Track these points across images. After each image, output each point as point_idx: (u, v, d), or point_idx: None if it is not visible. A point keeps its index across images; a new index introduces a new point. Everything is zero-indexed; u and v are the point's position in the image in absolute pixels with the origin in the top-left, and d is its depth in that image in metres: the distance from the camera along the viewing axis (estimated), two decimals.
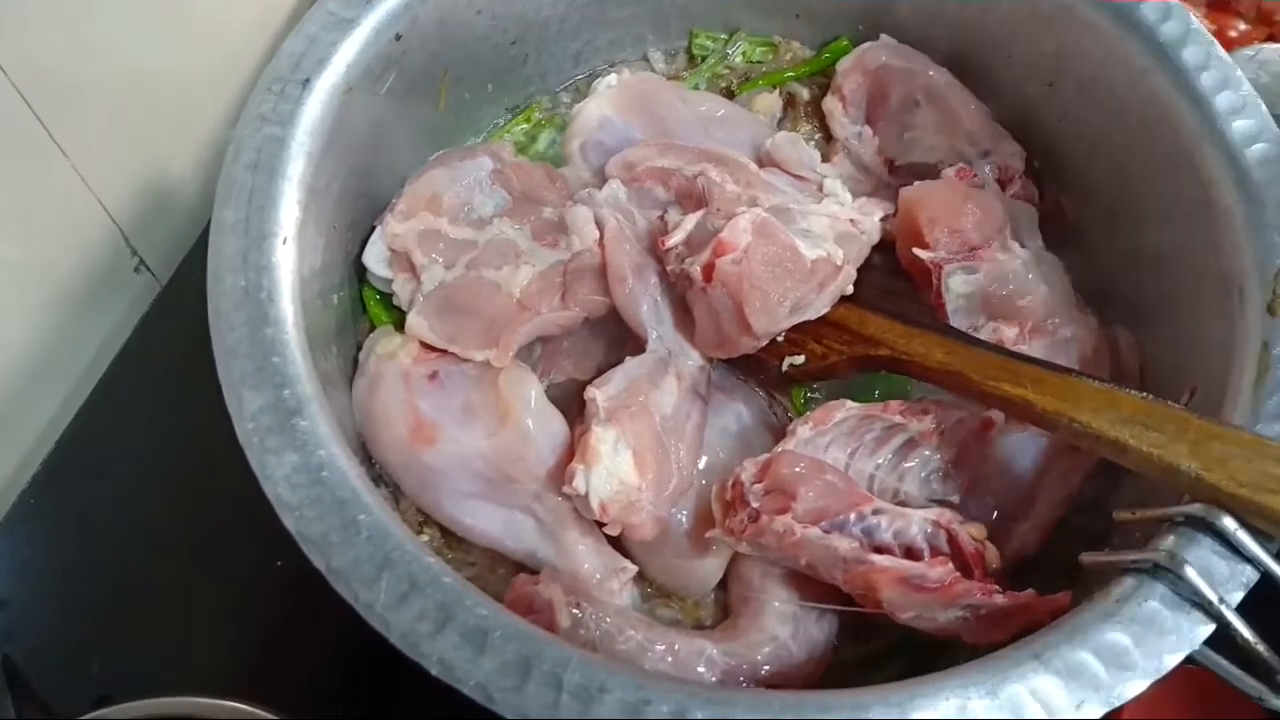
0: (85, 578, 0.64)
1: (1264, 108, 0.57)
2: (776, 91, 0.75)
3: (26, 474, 0.68)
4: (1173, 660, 0.43)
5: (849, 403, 0.58)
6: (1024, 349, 0.60)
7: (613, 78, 0.70)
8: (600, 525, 0.56)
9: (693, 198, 0.64)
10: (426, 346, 0.60)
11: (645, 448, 0.56)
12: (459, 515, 0.58)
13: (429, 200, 0.63)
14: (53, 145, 0.65)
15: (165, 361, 0.71)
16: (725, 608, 0.59)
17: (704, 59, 0.77)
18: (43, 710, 0.47)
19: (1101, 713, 0.42)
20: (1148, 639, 0.44)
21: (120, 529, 0.66)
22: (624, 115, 0.69)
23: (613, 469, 0.55)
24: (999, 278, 0.62)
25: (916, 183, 0.64)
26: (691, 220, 0.60)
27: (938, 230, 0.62)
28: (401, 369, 0.59)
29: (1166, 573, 0.45)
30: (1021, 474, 0.60)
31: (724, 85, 0.77)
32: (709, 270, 0.57)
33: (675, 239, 0.60)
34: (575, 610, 0.53)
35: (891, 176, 0.69)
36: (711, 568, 0.58)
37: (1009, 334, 0.61)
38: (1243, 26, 0.80)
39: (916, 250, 0.62)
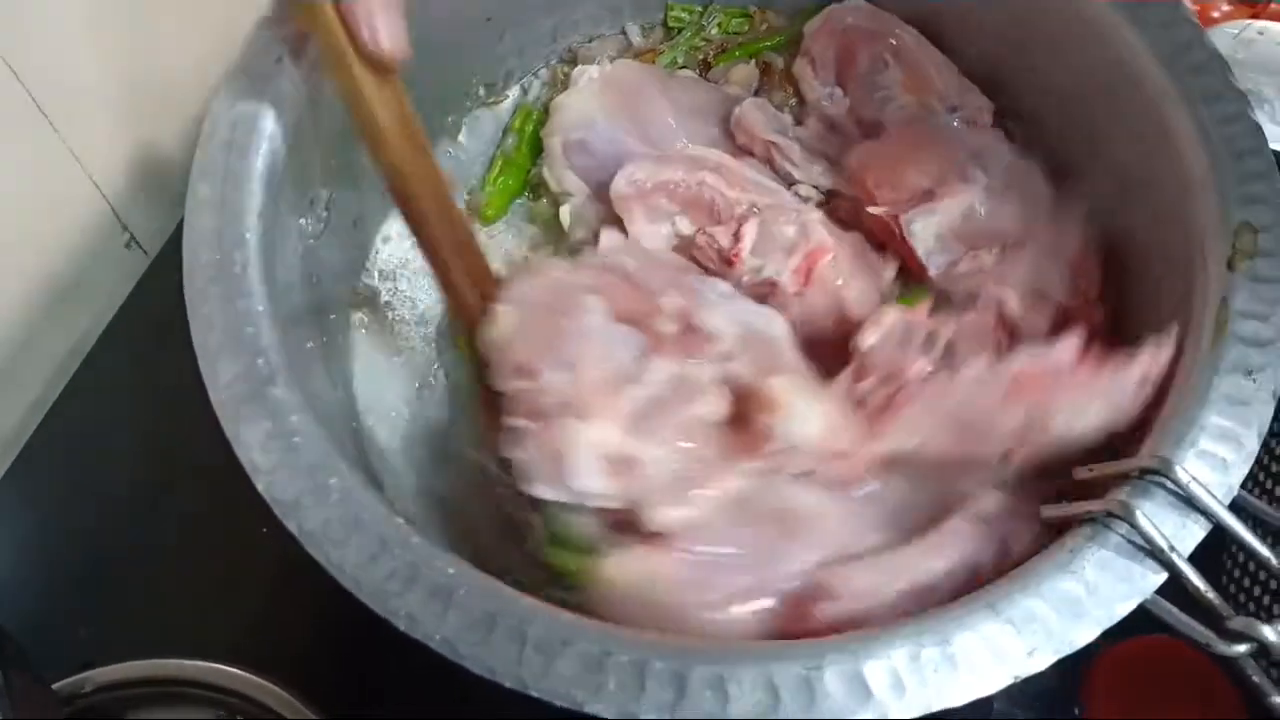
0: (73, 547, 0.66)
1: (1227, 66, 0.57)
2: (753, 62, 0.75)
3: (16, 445, 0.70)
4: (1124, 609, 0.44)
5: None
6: (1008, 269, 0.61)
7: (594, 69, 0.71)
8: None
9: (699, 205, 0.66)
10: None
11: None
12: None
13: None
14: (44, 120, 0.66)
15: (153, 334, 0.72)
16: None
17: (680, 31, 0.78)
18: (28, 671, 0.49)
19: (1053, 660, 0.43)
20: (1100, 587, 0.44)
21: (108, 499, 0.68)
22: (608, 113, 0.70)
23: (813, 406, 0.53)
24: (964, 210, 0.62)
25: (860, 145, 0.65)
26: (752, 229, 0.63)
27: (884, 189, 0.63)
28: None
29: (1120, 522, 0.45)
30: None
31: (701, 57, 0.77)
32: (806, 274, 0.60)
33: (746, 249, 0.62)
34: None
35: (864, 137, 0.70)
36: None
37: (988, 260, 0.62)
38: (1225, 7, 0.80)
39: (870, 209, 0.63)
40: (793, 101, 0.74)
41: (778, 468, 0.53)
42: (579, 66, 0.73)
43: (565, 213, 0.71)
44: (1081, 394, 0.51)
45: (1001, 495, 0.52)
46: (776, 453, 0.52)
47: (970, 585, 0.47)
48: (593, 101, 0.70)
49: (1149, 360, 0.51)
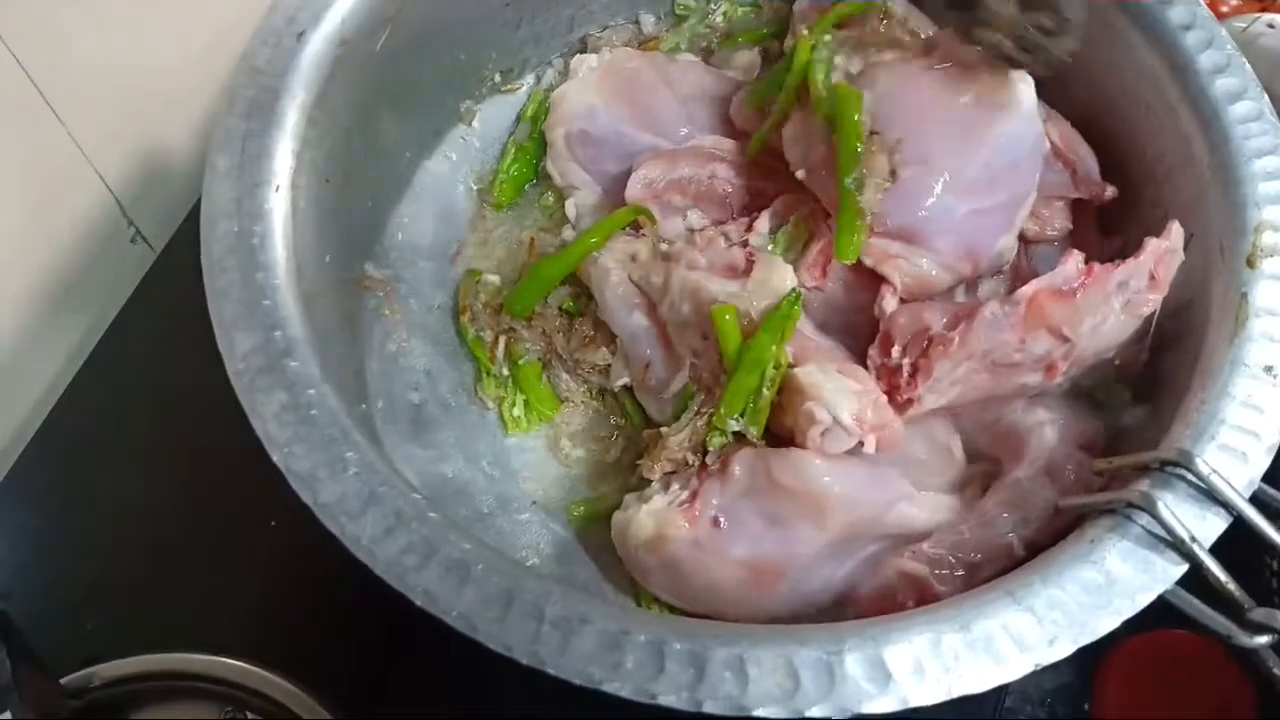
0: (80, 542, 0.66)
1: (1247, 67, 0.57)
2: (755, 49, 0.75)
3: (23, 439, 0.69)
4: (1145, 599, 0.44)
5: None
6: None
7: (593, 59, 0.71)
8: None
9: (712, 198, 0.66)
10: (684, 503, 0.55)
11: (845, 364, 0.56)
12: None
13: None
14: (51, 115, 0.66)
15: (159, 329, 0.72)
16: None
17: (686, 19, 0.78)
18: (36, 666, 0.48)
19: (1073, 648, 0.43)
20: (1121, 578, 0.44)
21: (115, 494, 0.67)
22: (608, 102, 0.69)
23: (839, 385, 0.53)
24: None
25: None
26: (764, 222, 0.62)
27: None
28: (688, 542, 0.54)
29: (1141, 513, 0.45)
30: None
31: (704, 44, 0.77)
32: (822, 269, 0.60)
33: (754, 240, 0.61)
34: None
35: None
36: None
37: None
38: (1234, 1, 0.80)
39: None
40: None
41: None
42: (577, 56, 0.73)
43: (570, 206, 0.71)
44: (1098, 296, 0.53)
45: (1054, 427, 0.55)
46: (823, 433, 0.53)
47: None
48: (592, 91, 0.69)
49: (1155, 249, 0.53)
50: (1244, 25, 0.69)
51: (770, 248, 0.62)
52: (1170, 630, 0.56)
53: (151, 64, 0.73)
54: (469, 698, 0.58)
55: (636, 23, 0.78)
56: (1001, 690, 0.59)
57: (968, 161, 0.57)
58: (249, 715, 0.55)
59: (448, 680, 0.59)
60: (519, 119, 0.75)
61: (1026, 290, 0.53)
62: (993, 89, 0.57)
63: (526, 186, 0.74)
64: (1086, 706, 0.58)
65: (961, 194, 0.57)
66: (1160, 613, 0.44)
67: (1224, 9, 0.77)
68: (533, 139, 0.74)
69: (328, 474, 0.46)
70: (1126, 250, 0.59)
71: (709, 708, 0.41)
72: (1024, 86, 0.57)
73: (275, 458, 0.46)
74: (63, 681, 0.53)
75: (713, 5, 0.78)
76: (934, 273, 0.58)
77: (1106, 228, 0.65)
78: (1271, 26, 0.68)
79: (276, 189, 0.54)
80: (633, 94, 0.70)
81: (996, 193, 0.58)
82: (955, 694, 0.42)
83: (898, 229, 0.57)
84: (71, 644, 0.59)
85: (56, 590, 0.64)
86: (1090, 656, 0.51)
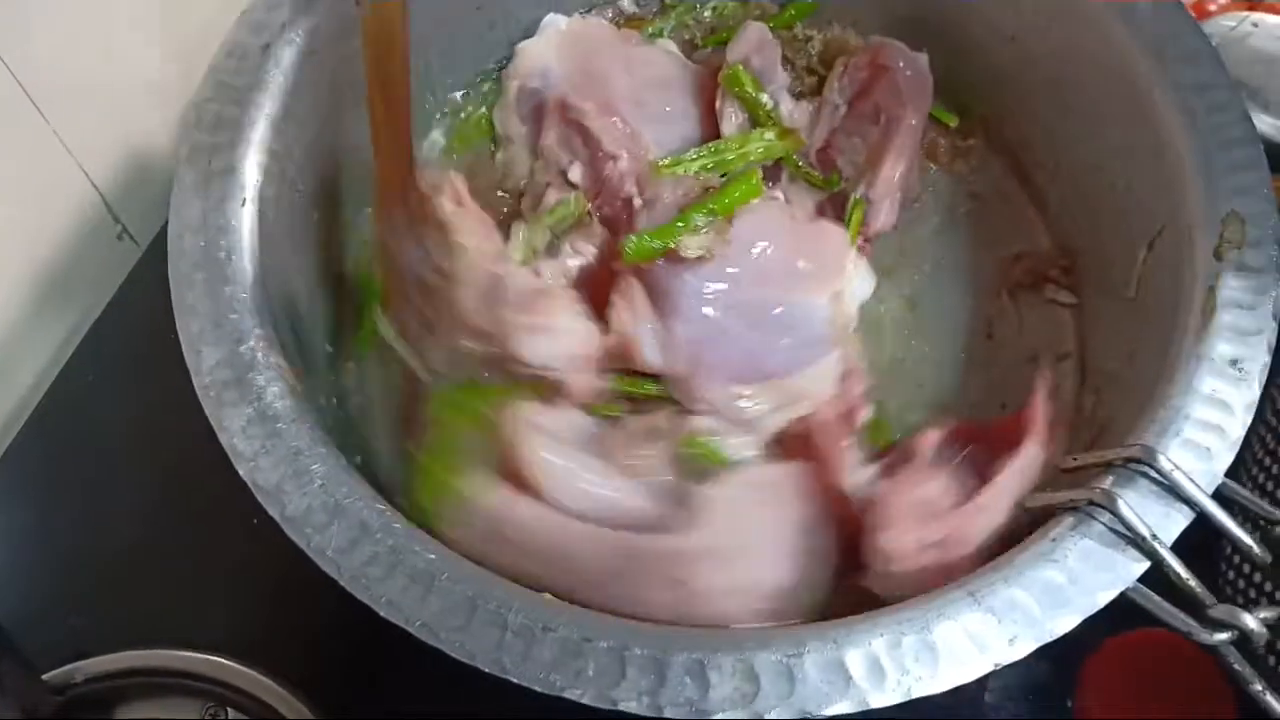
0: (64, 537, 0.66)
1: (1219, 56, 0.57)
2: None
3: (8, 435, 0.70)
4: (1106, 597, 0.44)
5: None
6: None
7: (562, 20, 0.70)
8: None
9: (597, 173, 0.65)
10: None
11: None
12: None
13: None
14: (36, 113, 0.66)
15: (144, 325, 0.71)
16: None
17: (673, 9, 0.77)
18: (19, 660, 0.49)
19: (1034, 647, 0.43)
20: (1082, 576, 0.44)
21: (99, 489, 0.68)
22: (564, 68, 0.68)
23: None
24: None
25: None
26: None
27: None
28: None
29: (1103, 511, 0.45)
30: None
31: (688, 38, 0.76)
32: None
33: None
34: None
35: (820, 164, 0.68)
36: None
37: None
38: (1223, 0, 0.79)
39: None
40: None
41: None
42: (549, 15, 0.71)
43: (499, 158, 0.70)
44: None
45: None
46: None
47: None
48: (551, 52, 0.69)
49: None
50: (1232, 25, 0.69)
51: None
52: (1154, 629, 0.55)
53: (136, 61, 0.73)
54: (453, 696, 0.58)
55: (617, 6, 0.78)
56: (982, 686, 0.60)
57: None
58: (231, 713, 0.55)
59: (431, 679, 0.59)
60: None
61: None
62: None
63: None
64: (1069, 704, 0.58)
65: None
66: (1145, 611, 0.44)
67: (1211, 8, 0.76)
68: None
69: (293, 487, 0.47)
70: (1104, 252, 0.59)
71: (670, 713, 0.41)
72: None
73: (242, 471, 0.47)
74: (46, 677, 0.54)
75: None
76: None
77: (1085, 218, 0.65)
78: (1257, 25, 0.67)
79: (244, 203, 0.54)
80: (589, 66, 0.69)
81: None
82: (915, 695, 0.42)
83: None
84: (55, 639, 0.59)
85: (40, 585, 0.65)
86: (1073, 654, 0.51)
